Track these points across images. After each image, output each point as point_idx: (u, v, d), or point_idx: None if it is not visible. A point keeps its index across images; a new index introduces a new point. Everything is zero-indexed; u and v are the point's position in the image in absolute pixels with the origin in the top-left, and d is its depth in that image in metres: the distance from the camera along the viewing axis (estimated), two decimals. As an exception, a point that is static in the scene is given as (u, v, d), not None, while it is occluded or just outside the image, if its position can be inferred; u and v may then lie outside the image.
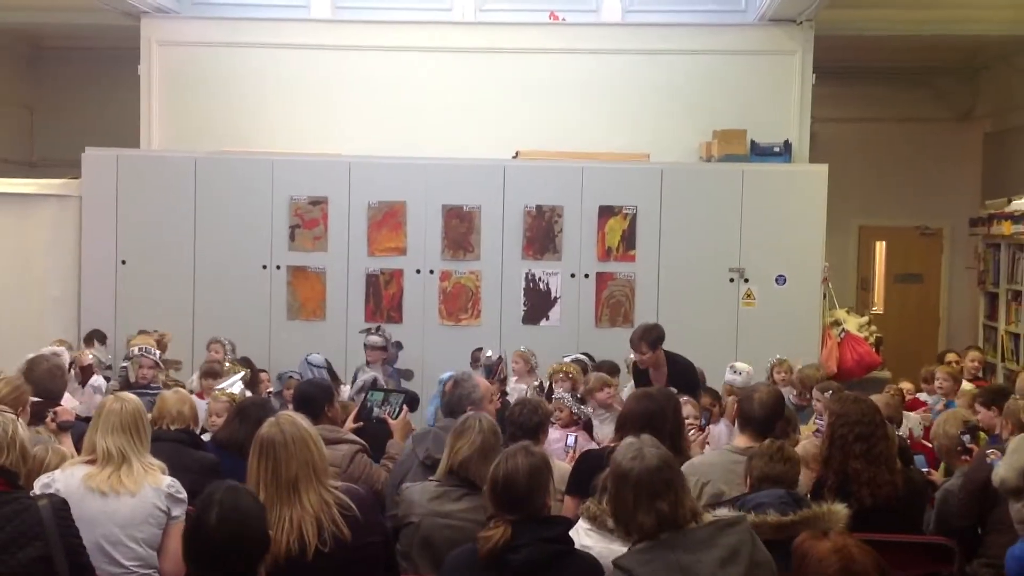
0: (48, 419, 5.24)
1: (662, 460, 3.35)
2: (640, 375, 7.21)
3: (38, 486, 3.97)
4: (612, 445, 4.74)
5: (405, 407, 5.70)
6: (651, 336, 7.03)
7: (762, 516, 3.79)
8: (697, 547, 3.22)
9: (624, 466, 3.36)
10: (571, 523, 3.72)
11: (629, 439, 3.53)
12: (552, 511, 3.72)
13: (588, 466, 4.39)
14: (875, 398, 5.73)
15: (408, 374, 8.73)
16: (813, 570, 2.90)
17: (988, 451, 5.15)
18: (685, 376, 6.96)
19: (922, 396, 7.91)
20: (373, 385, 6.72)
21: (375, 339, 8.20)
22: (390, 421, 5.58)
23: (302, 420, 3.74)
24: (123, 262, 9.39)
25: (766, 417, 5.00)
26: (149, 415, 5.62)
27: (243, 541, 3.02)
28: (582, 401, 6.65)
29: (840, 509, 3.82)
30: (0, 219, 9.39)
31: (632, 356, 7.35)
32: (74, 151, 9.69)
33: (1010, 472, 4.74)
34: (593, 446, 5.70)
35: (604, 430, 6.52)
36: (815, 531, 3.24)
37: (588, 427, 6.42)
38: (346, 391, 7.61)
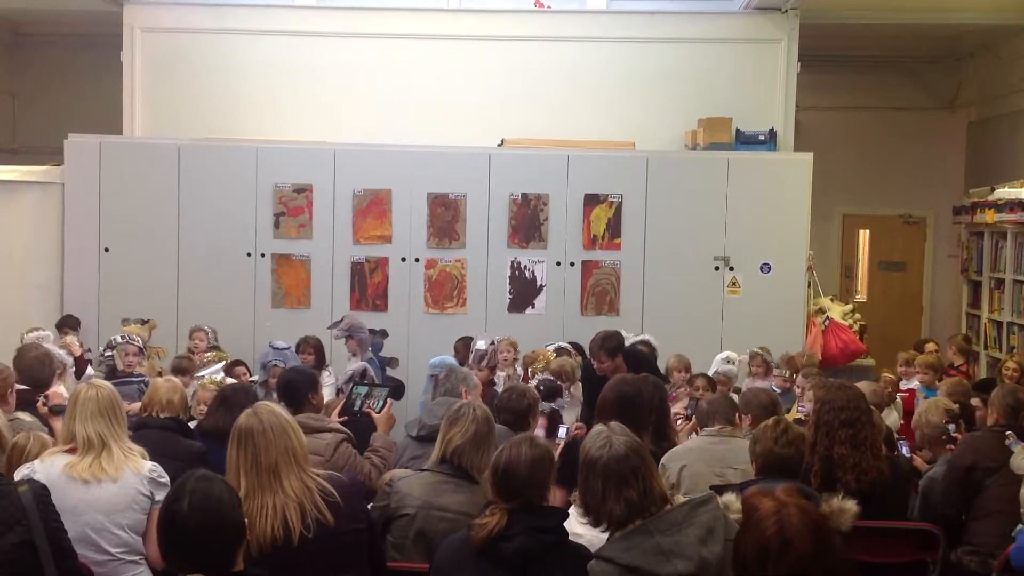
0: (39, 403, 5.23)
1: (630, 448, 3.36)
2: (593, 383, 6.93)
3: (19, 475, 3.95)
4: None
5: (390, 400, 5.69)
6: (610, 344, 6.87)
7: None
8: (674, 528, 3.23)
9: (592, 455, 3.38)
10: (566, 514, 3.72)
11: (599, 427, 3.53)
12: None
13: (573, 455, 4.39)
14: (862, 385, 5.78)
15: (393, 362, 8.71)
16: (753, 527, 2.86)
17: (1007, 433, 5.20)
18: (645, 369, 6.87)
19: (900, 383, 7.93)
20: (362, 376, 6.69)
21: (336, 332, 8.09)
22: (373, 415, 5.57)
23: (280, 408, 3.74)
24: (106, 249, 9.34)
25: (722, 405, 5.19)
26: (137, 403, 5.68)
27: (217, 530, 2.98)
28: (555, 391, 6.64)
29: (850, 507, 3.81)
30: (-18, 206, 9.34)
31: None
32: (56, 138, 9.61)
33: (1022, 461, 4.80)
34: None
35: (569, 416, 6.54)
36: (766, 487, 3.18)
37: (553, 419, 6.40)
38: (326, 376, 7.58)
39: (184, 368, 7.24)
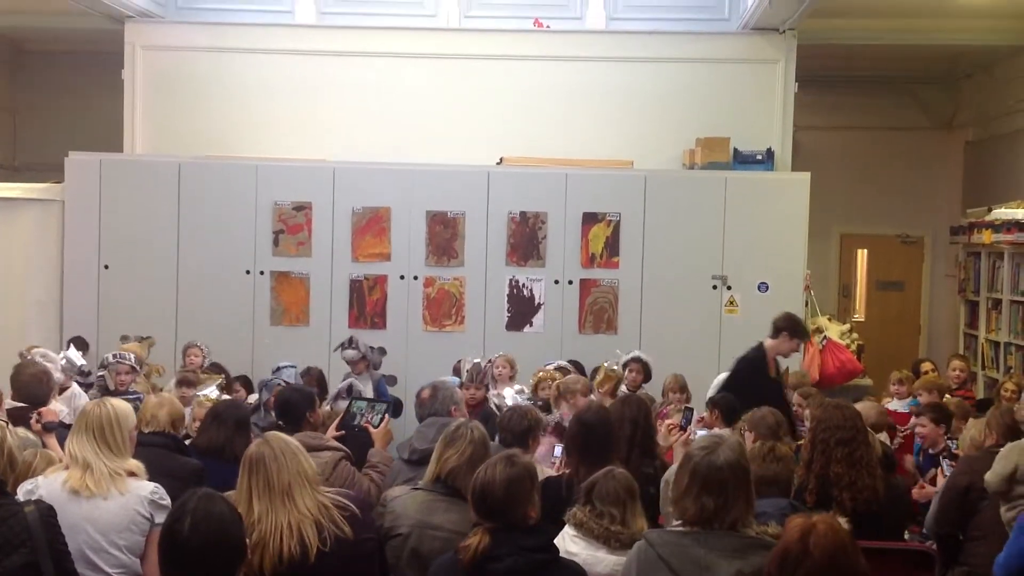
0: (32, 420, 5.23)
1: (728, 462, 3.40)
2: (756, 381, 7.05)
3: (22, 492, 3.96)
4: (567, 472, 4.73)
5: (387, 416, 5.70)
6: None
7: (763, 527, 3.81)
8: (725, 553, 3.29)
9: (693, 452, 3.48)
10: (554, 532, 3.72)
11: (717, 431, 3.63)
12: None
13: (548, 495, 4.40)
14: (860, 406, 5.81)
15: (391, 380, 8.71)
16: (783, 537, 3.02)
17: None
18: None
19: (891, 404, 7.90)
20: (348, 392, 6.68)
21: (351, 353, 8.04)
22: (371, 429, 5.57)
23: (288, 437, 3.82)
24: (106, 267, 9.36)
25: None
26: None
27: (217, 549, 3.00)
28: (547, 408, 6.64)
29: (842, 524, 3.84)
30: (-18, 223, 9.36)
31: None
32: (57, 155, 9.63)
33: (993, 477, 4.84)
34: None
35: None
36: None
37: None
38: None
39: (191, 381, 7.23)
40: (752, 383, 6.92)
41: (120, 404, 4.30)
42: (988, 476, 4.92)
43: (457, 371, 7.94)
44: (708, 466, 3.38)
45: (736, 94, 10.00)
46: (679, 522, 3.47)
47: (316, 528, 3.55)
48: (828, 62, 11.08)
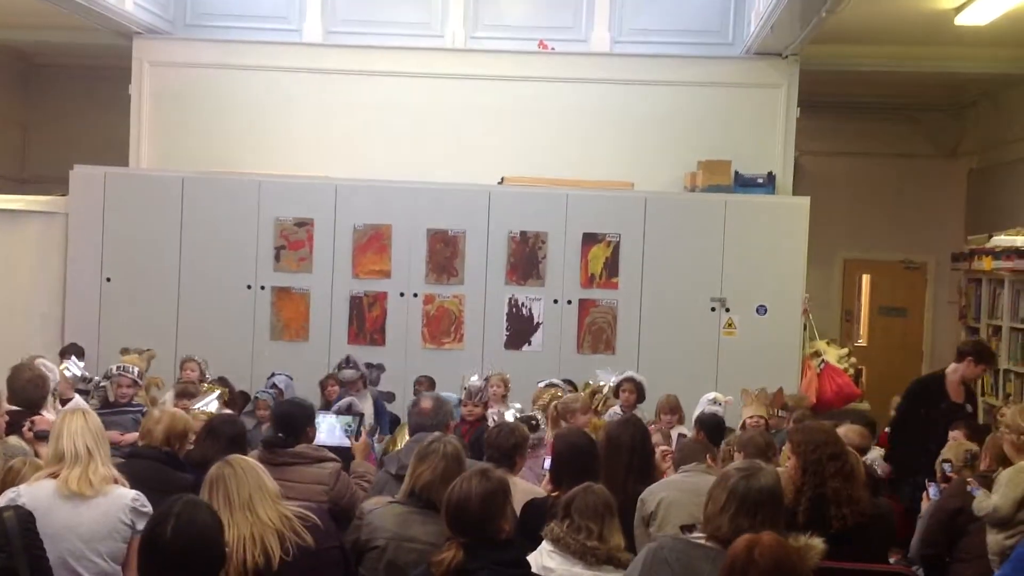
0: (25, 428, 5.25)
1: (768, 487, 3.49)
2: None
3: (4, 499, 3.97)
4: (555, 494, 4.74)
5: (364, 429, 5.81)
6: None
7: None
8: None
9: (729, 473, 3.57)
10: (527, 547, 3.74)
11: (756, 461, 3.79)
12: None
13: (532, 515, 4.41)
14: (843, 429, 5.81)
15: (390, 397, 8.74)
16: (731, 550, 3.10)
17: (968, 480, 5.22)
18: None
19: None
20: (347, 410, 6.73)
21: (349, 373, 8.08)
22: (352, 442, 5.62)
23: (249, 458, 3.91)
24: (108, 279, 9.43)
25: (695, 449, 5.29)
26: (130, 434, 5.70)
27: (198, 555, 3.04)
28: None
29: (817, 544, 3.84)
30: (-12, 235, 9.43)
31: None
32: (65, 168, 9.72)
33: (1005, 501, 4.80)
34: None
35: None
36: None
37: None
38: None
39: (190, 392, 7.24)
40: (916, 405, 7.06)
41: (94, 413, 4.39)
42: (997, 501, 4.88)
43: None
44: (747, 488, 3.46)
45: (738, 118, 10.05)
46: (700, 535, 3.53)
47: (278, 538, 3.60)
48: (831, 88, 11.11)
